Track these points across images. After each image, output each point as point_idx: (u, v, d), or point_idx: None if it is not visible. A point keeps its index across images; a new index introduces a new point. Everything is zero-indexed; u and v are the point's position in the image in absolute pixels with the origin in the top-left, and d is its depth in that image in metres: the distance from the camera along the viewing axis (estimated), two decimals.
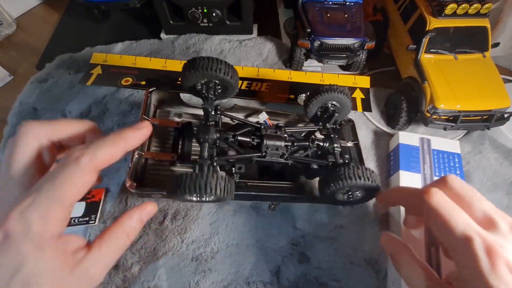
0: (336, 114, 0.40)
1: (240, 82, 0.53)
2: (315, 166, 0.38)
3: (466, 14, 0.45)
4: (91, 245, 0.24)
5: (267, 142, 0.36)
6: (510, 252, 0.21)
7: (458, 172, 0.42)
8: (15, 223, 0.20)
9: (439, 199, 0.24)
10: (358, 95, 0.52)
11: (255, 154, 0.36)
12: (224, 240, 0.39)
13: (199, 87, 0.37)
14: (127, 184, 0.33)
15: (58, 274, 0.22)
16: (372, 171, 0.33)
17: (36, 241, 0.21)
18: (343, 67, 0.56)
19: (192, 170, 0.33)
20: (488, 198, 0.25)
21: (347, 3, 0.52)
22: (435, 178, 0.41)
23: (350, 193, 0.34)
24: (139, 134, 0.27)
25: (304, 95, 0.51)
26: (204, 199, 0.30)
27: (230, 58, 0.56)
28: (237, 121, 0.39)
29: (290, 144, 0.37)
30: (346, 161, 0.38)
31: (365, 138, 0.48)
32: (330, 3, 0.52)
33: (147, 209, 0.28)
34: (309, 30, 0.49)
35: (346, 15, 0.51)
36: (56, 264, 0.22)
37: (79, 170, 0.22)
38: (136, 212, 0.27)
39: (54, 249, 0.22)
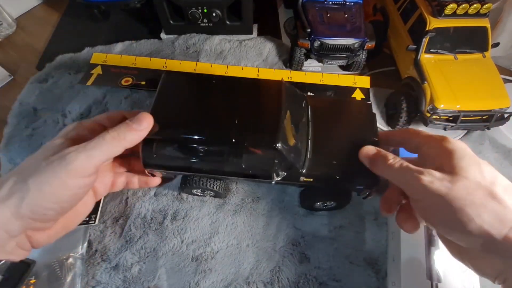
0: None
1: None
2: None
3: (466, 14, 0.45)
4: None
5: None
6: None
7: None
8: None
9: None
10: (358, 95, 0.52)
11: None
12: (224, 240, 0.39)
13: None
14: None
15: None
16: None
17: None
18: (343, 67, 0.56)
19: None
20: None
21: (347, 3, 0.52)
22: None
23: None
24: (137, 134, 0.28)
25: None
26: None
27: (230, 58, 0.56)
28: None
29: None
30: None
31: None
32: (330, 3, 0.52)
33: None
34: (309, 30, 0.49)
35: (346, 15, 0.50)
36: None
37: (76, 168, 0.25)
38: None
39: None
